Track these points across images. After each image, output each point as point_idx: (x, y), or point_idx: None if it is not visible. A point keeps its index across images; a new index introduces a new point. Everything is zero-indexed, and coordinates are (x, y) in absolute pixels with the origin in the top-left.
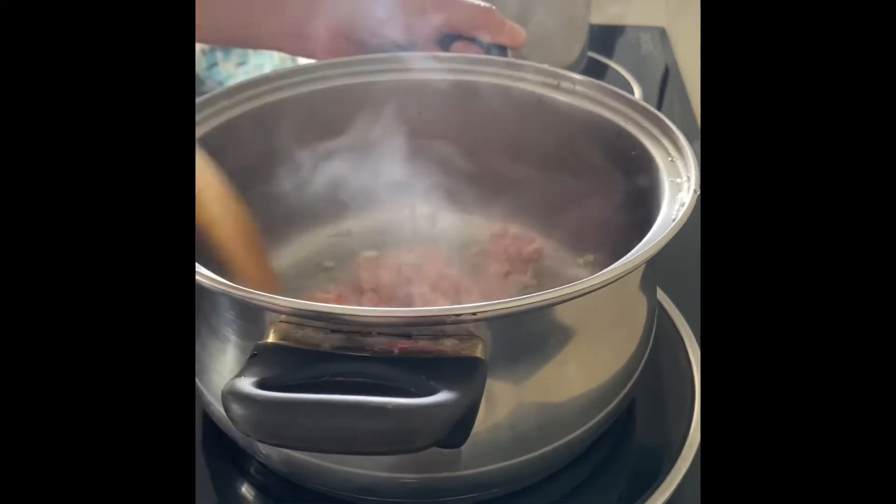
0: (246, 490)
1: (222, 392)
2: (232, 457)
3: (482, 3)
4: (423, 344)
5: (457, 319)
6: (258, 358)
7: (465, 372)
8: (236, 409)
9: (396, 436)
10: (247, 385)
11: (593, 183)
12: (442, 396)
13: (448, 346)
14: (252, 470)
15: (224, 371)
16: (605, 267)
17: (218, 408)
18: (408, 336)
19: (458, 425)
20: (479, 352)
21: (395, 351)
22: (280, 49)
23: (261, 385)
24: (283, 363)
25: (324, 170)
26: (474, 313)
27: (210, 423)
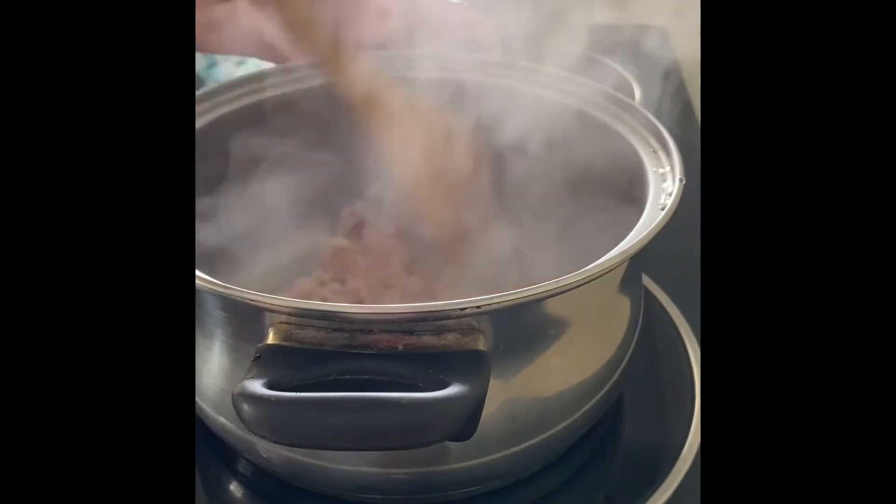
0: (235, 489)
1: (233, 395)
2: (222, 458)
3: (456, 1)
4: (427, 339)
5: (461, 314)
6: (262, 360)
7: (471, 365)
8: (249, 410)
9: (413, 430)
10: (258, 386)
11: (577, 177)
12: (454, 389)
13: (451, 340)
14: (242, 470)
15: (216, 373)
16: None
17: (208, 410)
18: (410, 332)
19: (470, 417)
20: (481, 344)
21: (400, 347)
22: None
23: (270, 386)
24: (288, 364)
25: (317, 168)
26: (478, 306)
27: (200, 425)
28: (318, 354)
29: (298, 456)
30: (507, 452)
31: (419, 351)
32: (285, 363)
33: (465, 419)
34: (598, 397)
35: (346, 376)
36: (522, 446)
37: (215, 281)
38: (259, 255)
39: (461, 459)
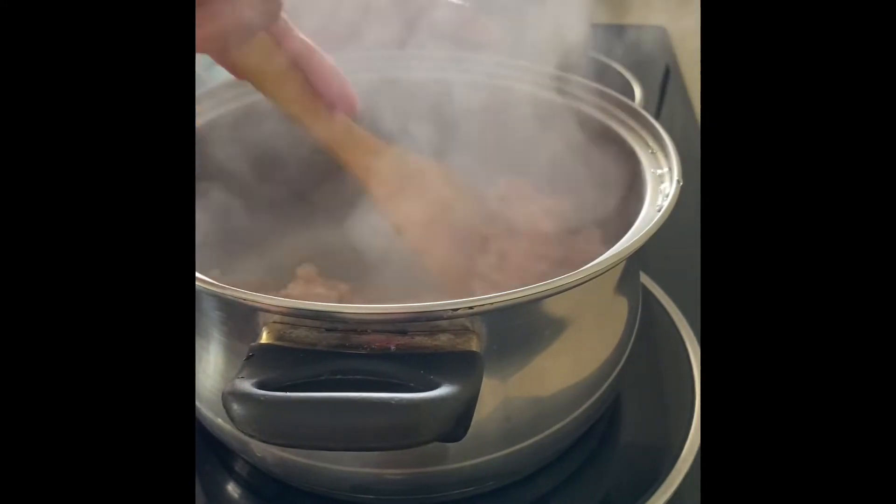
0: (232, 489)
1: (223, 393)
2: (219, 458)
3: (457, 2)
4: (420, 340)
5: (453, 314)
6: (255, 359)
7: (463, 366)
8: (239, 409)
9: (402, 431)
10: (248, 386)
11: (575, 177)
12: (444, 390)
13: (444, 340)
14: (239, 470)
15: (212, 373)
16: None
17: (205, 410)
18: (403, 332)
19: (460, 418)
20: (474, 345)
21: (392, 347)
22: None
23: (261, 386)
24: (280, 363)
25: (313, 168)
26: (471, 307)
27: (197, 425)
28: (310, 354)
29: (292, 456)
30: (503, 453)
31: (411, 351)
32: (277, 363)
33: (454, 420)
34: (594, 398)
35: (338, 376)
36: (518, 447)
37: (211, 280)
38: (256, 253)
39: (457, 460)
